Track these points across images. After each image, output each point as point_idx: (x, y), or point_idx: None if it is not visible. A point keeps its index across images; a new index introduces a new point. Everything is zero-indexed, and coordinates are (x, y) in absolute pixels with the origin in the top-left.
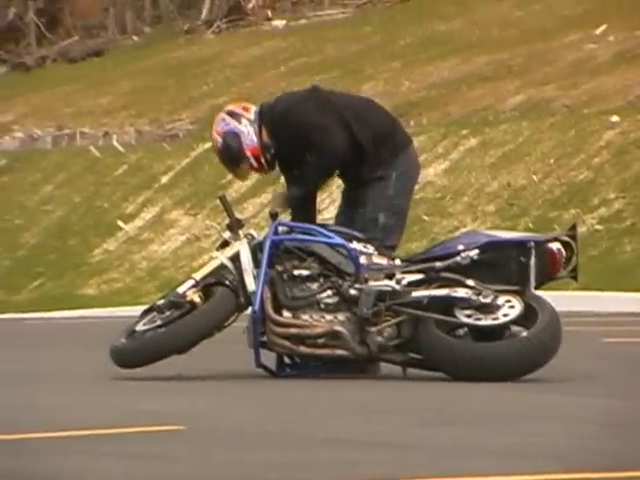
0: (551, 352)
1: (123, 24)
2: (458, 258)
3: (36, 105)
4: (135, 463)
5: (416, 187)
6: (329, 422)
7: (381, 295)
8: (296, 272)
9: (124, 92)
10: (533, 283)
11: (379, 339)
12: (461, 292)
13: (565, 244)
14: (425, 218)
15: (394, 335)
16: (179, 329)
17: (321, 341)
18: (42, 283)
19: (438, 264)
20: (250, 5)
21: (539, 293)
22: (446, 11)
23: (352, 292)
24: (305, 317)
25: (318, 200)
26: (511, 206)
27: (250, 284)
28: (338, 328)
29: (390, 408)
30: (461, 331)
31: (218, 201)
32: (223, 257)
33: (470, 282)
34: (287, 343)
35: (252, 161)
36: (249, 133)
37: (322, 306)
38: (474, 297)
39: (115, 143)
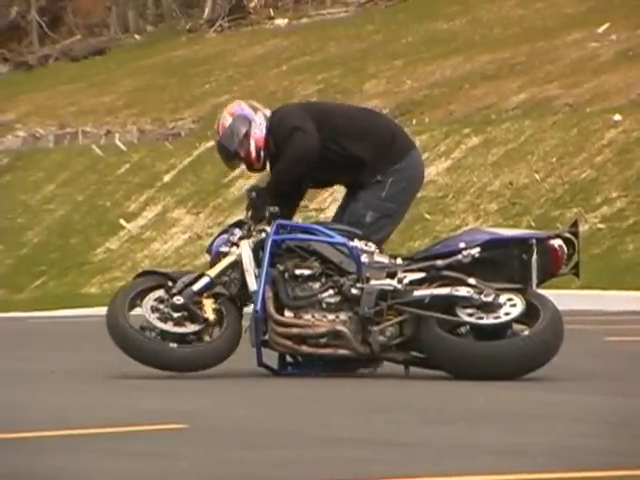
0: (553, 350)
1: (125, 23)
2: (460, 256)
3: (38, 104)
4: (138, 461)
5: None
6: (331, 420)
7: (383, 294)
8: (298, 272)
9: (126, 91)
10: (535, 281)
11: (381, 338)
12: (463, 291)
13: (567, 241)
14: (427, 217)
15: (396, 334)
16: (189, 357)
17: (323, 341)
18: (45, 282)
19: (439, 262)
20: (252, 4)
21: (541, 291)
22: (448, 10)
23: (354, 291)
24: (307, 317)
25: (320, 199)
26: (513, 205)
27: (252, 284)
28: (340, 328)
29: (392, 407)
30: (463, 330)
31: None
32: (239, 253)
33: (472, 280)
34: (289, 343)
35: (252, 149)
36: (260, 124)
37: (324, 305)
38: (476, 296)
39: (117, 142)
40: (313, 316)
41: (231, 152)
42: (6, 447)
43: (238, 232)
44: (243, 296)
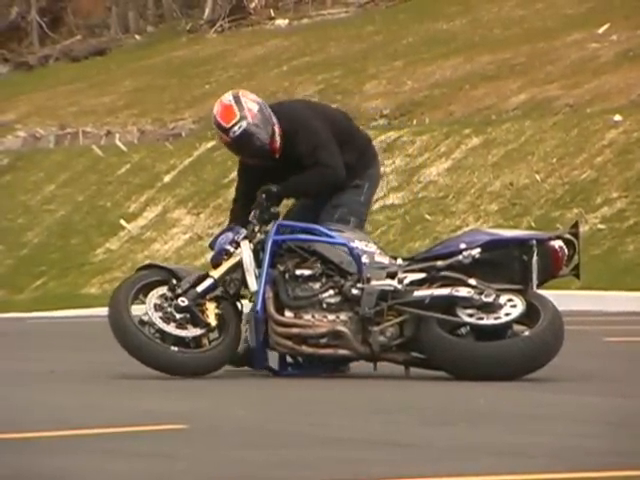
0: (553, 351)
1: (126, 23)
2: (460, 257)
3: (39, 104)
4: (138, 462)
5: (419, 186)
6: (331, 421)
7: (383, 294)
8: (298, 272)
9: (127, 91)
10: (535, 281)
11: (381, 338)
12: (463, 291)
13: (567, 242)
14: (427, 217)
15: (396, 334)
16: (189, 362)
17: (323, 341)
18: (45, 282)
19: (440, 263)
20: (253, 4)
21: (541, 292)
22: (449, 10)
23: (354, 292)
24: (307, 317)
25: None
26: (514, 205)
27: (252, 284)
28: (340, 328)
29: (392, 407)
30: (463, 330)
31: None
32: (243, 254)
33: (472, 281)
34: (289, 343)
35: (277, 137)
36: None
37: (324, 306)
38: (476, 296)
39: (118, 142)
40: (313, 316)
41: (264, 139)
42: (6, 447)
43: (243, 232)
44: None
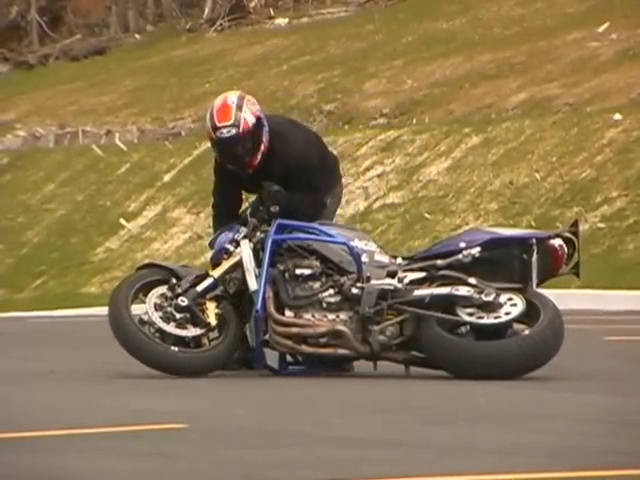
0: (553, 350)
1: (126, 22)
2: (460, 256)
3: (38, 103)
4: (138, 461)
5: (419, 185)
6: (331, 420)
7: (383, 294)
8: (298, 271)
9: (126, 90)
10: (535, 280)
11: (381, 338)
12: (463, 290)
13: (567, 240)
14: (427, 216)
15: (396, 334)
16: (189, 362)
17: (323, 340)
18: (45, 281)
19: (440, 262)
20: (252, 3)
21: (541, 290)
22: (448, 9)
23: (354, 291)
24: (307, 316)
25: None
26: (513, 204)
27: (252, 284)
28: (340, 327)
29: (392, 407)
30: (463, 329)
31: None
32: (243, 253)
33: (472, 280)
34: (289, 342)
35: (259, 155)
36: (266, 128)
37: (324, 305)
38: (476, 295)
39: (117, 141)
40: (313, 315)
41: (245, 153)
42: (6, 446)
43: (243, 230)
44: (241, 295)
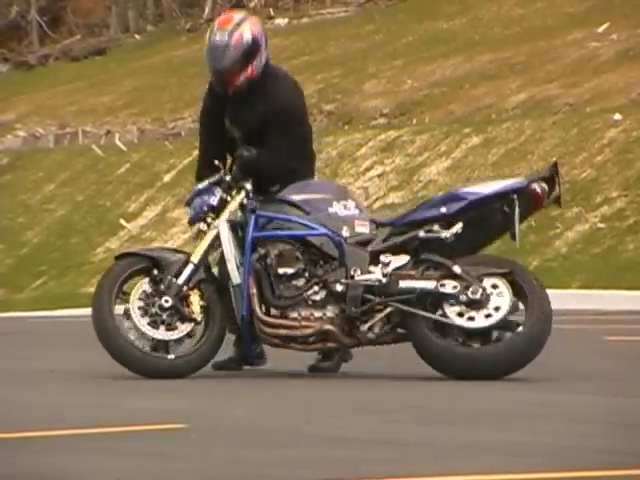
0: (542, 344)
1: (125, 23)
2: (443, 235)
3: (38, 104)
4: (137, 461)
5: (419, 185)
6: (329, 420)
7: (368, 289)
8: (281, 270)
9: (126, 90)
10: (518, 231)
11: (370, 335)
12: (449, 287)
13: (547, 180)
14: None
15: (384, 327)
16: (188, 364)
17: (312, 339)
18: (45, 282)
19: (422, 234)
20: (252, 3)
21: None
22: (448, 9)
23: (339, 288)
24: (294, 315)
25: None
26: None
27: (235, 277)
28: (327, 327)
29: (391, 407)
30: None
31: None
32: (222, 242)
33: (456, 269)
34: (278, 341)
35: (242, 76)
36: (264, 57)
37: (310, 302)
38: (462, 295)
39: (117, 142)
40: (299, 314)
41: (228, 67)
42: (6, 447)
43: (218, 192)
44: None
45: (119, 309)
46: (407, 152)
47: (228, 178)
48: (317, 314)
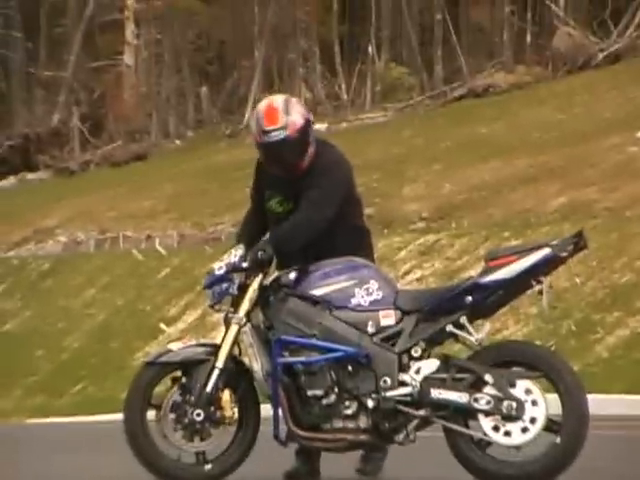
0: (578, 451)
1: (166, 128)
2: (473, 339)
3: (79, 209)
4: None
5: None
6: None
7: (400, 402)
8: (310, 393)
9: (167, 195)
10: (547, 307)
11: (405, 441)
12: (482, 402)
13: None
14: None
15: (419, 428)
16: (223, 469)
17: (347, 449)
18: (84, 387)
19: (450, 328)
20: None
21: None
22: (487, 114)
23: (370, 404)
24: (327, 427)
25: None
26: (554, 308)
27: (258, 372)
28: (362, 437)
29: None
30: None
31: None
32: (245, 342)
33: (488, 377)
34: (314, 447)
35: (306, 158)
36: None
37: (342, 415)
38: (497, 409)
39: (157, 246)
40: (333, 427)
41: (294, 156)
42: None
43: (237, 280)
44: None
45: (150, 415)
46: (446, 256)
47: (245, 265)
48: (351, 425)
